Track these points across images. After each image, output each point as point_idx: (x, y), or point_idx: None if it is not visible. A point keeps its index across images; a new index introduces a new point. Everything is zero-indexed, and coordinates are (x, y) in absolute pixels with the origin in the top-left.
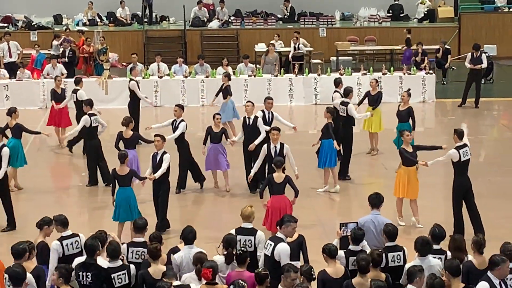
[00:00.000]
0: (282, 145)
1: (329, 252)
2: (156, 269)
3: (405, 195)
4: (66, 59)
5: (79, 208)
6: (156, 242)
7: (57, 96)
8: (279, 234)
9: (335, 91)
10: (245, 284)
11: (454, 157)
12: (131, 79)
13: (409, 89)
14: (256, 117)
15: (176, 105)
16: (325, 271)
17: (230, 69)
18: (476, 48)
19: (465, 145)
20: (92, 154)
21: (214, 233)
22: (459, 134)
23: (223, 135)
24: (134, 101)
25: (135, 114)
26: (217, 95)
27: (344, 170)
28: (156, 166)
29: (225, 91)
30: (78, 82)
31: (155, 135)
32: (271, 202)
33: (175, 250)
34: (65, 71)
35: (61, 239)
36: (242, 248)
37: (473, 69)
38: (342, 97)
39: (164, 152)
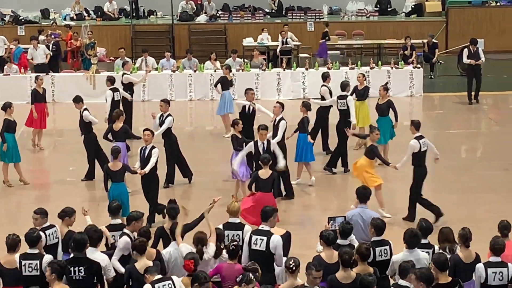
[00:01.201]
0: (268, 141)
1: (327, 239)
2: (143, 264)
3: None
4: (51, 53)
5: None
6: (142, 238)
7: (39, 96)
8: (264, 227)
9: (323, 85)
10: (253, 279)
11: (415, 148)
12: (124, 73)
13: (386, 83)
14: (282, 119)
15: (161, 100)
16: (320, 257)
17: (218, 64)
18: (474, 43)
19: (422, 136)
20: (90, 148)
21: (203, 228)
22: (416, 125)
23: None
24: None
25: (128, 109)
26: (215, 85)
27: (333, 162)
28: (144, 160)
29: (225, 82)
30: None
31: (144, 129)
32: (256, 198)
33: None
34: (47, 51)
35: (43, 230)
36: (235, 242)
37: (472, 65)
38: (330, 91)
39: (153, 147)
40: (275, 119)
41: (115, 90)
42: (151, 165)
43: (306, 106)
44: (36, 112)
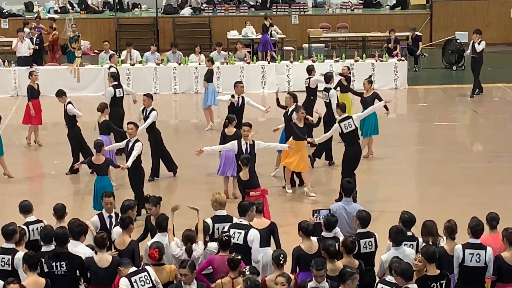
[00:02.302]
0: (253, 142)
1: (306, 230)
2: (102, 258)
3: (296, 168)
4: (37, 47)
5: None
6: (102, 232)
7: (35, 92)
8: (242, 221)
9: (308, 78)
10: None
11: (338, 130)
12: (110, 66)
13: (370, 76)
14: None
15: (144, 95)
16: (300, 247)
17: (202, 57)
18: (477, 32)
19: (348, 117)
20: (74, 142)
21: (188, 221)
22: (341, 107)
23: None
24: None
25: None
26: (209, 81)
27: (318, 154)
28: (128, 153)
29: (209, 75)
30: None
31: (128, 123)
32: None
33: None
34: (32, 45)
35: (27, 224)
36: (227, 233)
37: (474, 57)
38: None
39: (137, 140)
40: (288, 110)
41: (117, 86)
42: (132, 158)
43: (294, 97)
44: (33, 108)
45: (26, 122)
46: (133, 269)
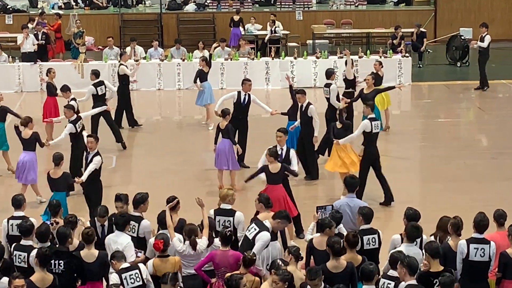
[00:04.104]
0: (288, 148)
1: (321, 224)
2: (88, 253)
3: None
4: (43, 42)
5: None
6: (90, 227)
7: (54, 90)
8: (267, 223)
9: (327, 86)
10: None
11: (367, 128)
12: (120, 64)
13: (372, 72)
14: (308, 104)
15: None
16: (312, 241)
17: (206, 53)
18: (484, 25)
19: (376, 119)
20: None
21: (195, 217)
22: (372, 106)
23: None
24: (124, 86)
25: (125, 99)
26: (195, 81)
27: (321, 150)
28: (86, 167)
29: (203, 75)
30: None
31: (88, 136)
32: (266, 192)
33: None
34: (36, 41)
35: (9, 218)
36: (229, 228)
37: (479, 50)
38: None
39: (96, 154)
40: (302, 106)
41: (98, 84)
42: (87, 172)
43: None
44: (51, 105)
45: (46, 119)
46: (126, 264)
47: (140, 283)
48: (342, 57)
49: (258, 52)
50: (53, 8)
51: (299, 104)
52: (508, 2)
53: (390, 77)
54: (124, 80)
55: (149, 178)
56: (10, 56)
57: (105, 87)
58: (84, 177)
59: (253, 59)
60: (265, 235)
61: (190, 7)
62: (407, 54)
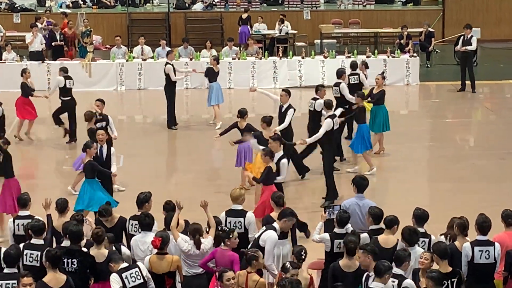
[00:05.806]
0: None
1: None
2: (98, 253)
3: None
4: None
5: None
6: (99, 227)
7: (27, 89)
8: (275, 225)
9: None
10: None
11: (330, 126)
12: (167, 63)
13: (383, 72)
14: (290, 107)
15: (97, 100)
16: (376, 240)
17: (214, 52)
18: (468, 27)
19: (335, 115)
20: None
21: (201, 216)
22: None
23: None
24: (170, 85)
25: (172, 98)
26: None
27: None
28: (101, 160)
29: (212, 74)
30: None
31: (97, 129)
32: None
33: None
34: (44, 41)
35: (15, 218)
36: (227, 227)
37: (462, 52)
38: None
39: (110, 145)
40: (282, 106)
41: (68, 78)
42: (116, 165)
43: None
44: (22, 105)
45: (22, 117)
46: (125, 264)
47: (141, 280)
48: (349, 57)
49: (266, 51)
50: (60, 7)
51: (280, 104)
52: None
53: (398, 77)
54: (169, 78)
55: (156, 177)
56: (18, 55)
57: (73, 82)
58: (113, 169)
59: (260, 58)
60: (271, 236)
61: (198, 6)
62: (415, 54)
